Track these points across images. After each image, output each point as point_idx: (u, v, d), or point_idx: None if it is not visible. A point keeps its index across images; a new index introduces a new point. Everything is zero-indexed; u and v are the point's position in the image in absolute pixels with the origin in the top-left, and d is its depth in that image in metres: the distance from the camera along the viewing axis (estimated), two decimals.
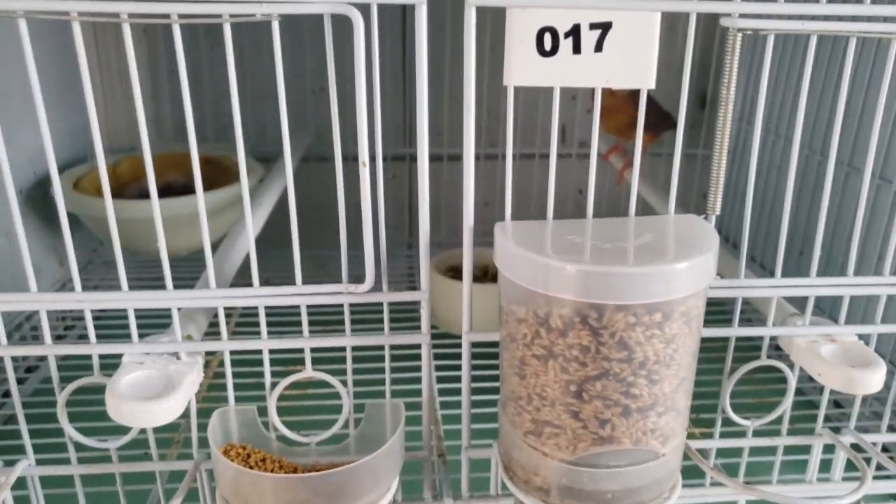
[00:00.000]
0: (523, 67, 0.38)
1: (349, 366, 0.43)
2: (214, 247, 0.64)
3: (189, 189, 0.76)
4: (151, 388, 0.39)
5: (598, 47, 0.38)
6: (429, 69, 0.37)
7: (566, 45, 0.37)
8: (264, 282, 0.40)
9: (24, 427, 0.42)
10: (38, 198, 0.73)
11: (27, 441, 0.43)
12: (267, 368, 0.42)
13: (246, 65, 0.87)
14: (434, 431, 0.50)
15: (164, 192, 0.77)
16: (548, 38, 0.37)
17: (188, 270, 0.78)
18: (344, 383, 0.43)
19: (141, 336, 0.41)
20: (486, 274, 0.78)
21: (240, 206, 0.75)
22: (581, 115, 0.97)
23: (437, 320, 0.75)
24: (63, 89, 0.80)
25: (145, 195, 0.75)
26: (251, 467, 0.40)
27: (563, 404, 0.38)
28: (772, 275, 0.45)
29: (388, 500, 0.41)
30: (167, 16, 0.35)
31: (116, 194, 0.75)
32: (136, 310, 0.41)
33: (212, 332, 0.44)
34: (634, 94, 0.66)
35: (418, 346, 0.43)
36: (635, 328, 0.35)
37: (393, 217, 0.99)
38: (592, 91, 0.40)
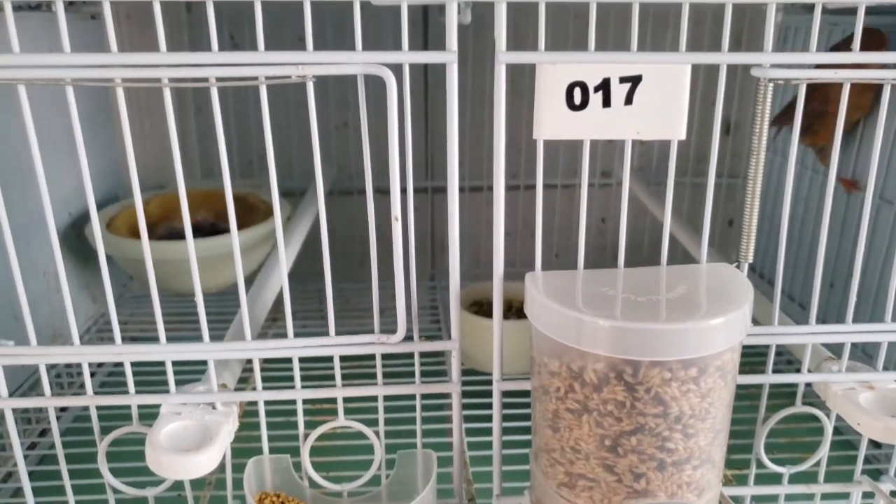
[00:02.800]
0: (553, 121, 0.38)
1: (381, 415, 0.43)
2: (247, 283, 0.65)
3: (217, 228, 0.77)
4: (189, 440, 0.39)
5: (629, 100, 0.38)
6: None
7: (596, 98, 0.38)
8: (294, 315, 0.41)
9: (66, 476, 0.43)
10: (72, 237, 0.74)
11: (68, 486, 0.44)
12: (300, 419, 0.43)
13: (270, 100, 0.88)
14: (463, 475, 0.50)
15: (193, 231, 0.78)
16: (577, 92, 0.38)
17: (217, 304, 0.79)
18: (376, 431, 0.43)
19: (177, 378, 0.42)
20: (510, 309, 0.78)
21: (269, 244, 0.76)
22: (603, 144, 0.97)
23: (463, 357, 0.75)
24: (94, 129, 0.81)
25: (175, 234, 0.77)
26: None
27: (597, 458, 0.38)
28: (802, 308, 0.44)
29: None
30: (205, 79, 0.36)
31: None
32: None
33: (244, 374, 0.45)
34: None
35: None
36: (671, 383, 0.35)
37: (415, 249, 1.00)
38: None
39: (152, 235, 0.77)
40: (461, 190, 0.95)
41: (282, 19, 0.72)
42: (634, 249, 1.03)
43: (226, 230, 0.68)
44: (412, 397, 0.44)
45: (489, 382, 0.55)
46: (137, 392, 0.42)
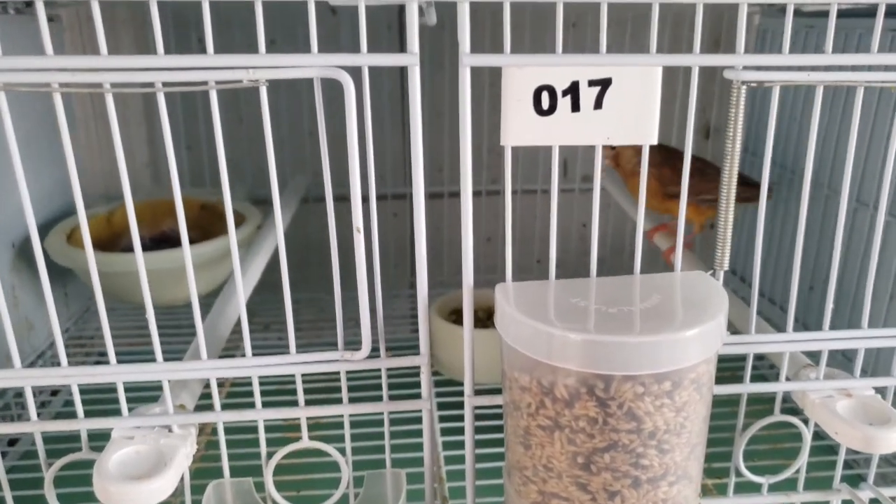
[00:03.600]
0: (521, 127, 0.36)
1: (347, 434, 0.41)
2: (216, 293, 0.63)
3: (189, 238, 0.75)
4: (142, 466, 0.37)
5: (598, 104, 0.36)
6: (428, 106, 0.36)
7: (564, 103, 0.36)
8: (263, 327, 0.39)
9: None
10: (29, 252, 0.72)
11: None
12: (262, 439, 0.41)
13: (242, 107, 0.86)
14: (438, 491, 0.48)
15: (162, 241, 0.76)
16: (545, 96, 0.36)
17: (188, 315, 0.76)
18: (342, 452, 0.42)
19: (130, 401, 0.40)
20: (489, 316, 0.77)
21: (240, 252, 0.74)
22: (583, 150, 0.96)
23: (440, 366, 0.74)
24: (51, 138, 0.79)
25: (142, 246, 0.74)
26: None
27: (570, 476, 0.36)
28: (783, 311, 0.43)
29: None
30: (152, 84, 0.34)
31: (110, 246, 0.74)
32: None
33: (205, 396, 0.43)
34: (664, 153, 0.62)
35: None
36: (644, 398, 0.34)
37: (395, 256, 0.98)
38: None
39: (118, 247, 0.74)
40: (440, 196, 0.94)
41: (250, 23, 0.70)
42: (616, 254, 1.02)
43: (195, 240, 0.66)
44: (384, 420, 0.42)
45: (460, 393, 0.53)
46: (89, 416, 0.40)
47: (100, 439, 0.40)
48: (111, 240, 0.74)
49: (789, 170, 0.78)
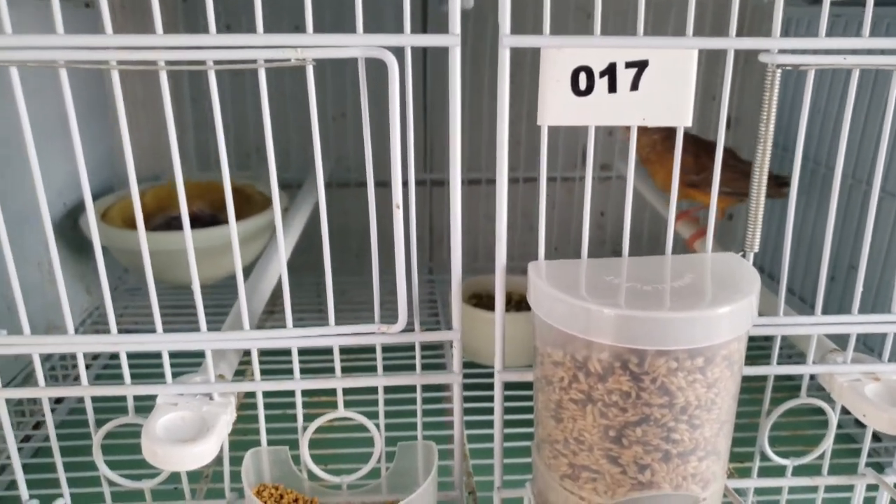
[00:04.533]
0: (558, 107, 0.37)
1: (381, 406, 0.43)
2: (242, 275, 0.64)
3: (215, 220, 0.76)
4: (186, 431, 0.39)
5: (635, 86, 0.37)
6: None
7: (601, 84, 0.37)
8: (291, 308, 0.40)
9: (60, 468, 0.42)
10: (67, 228, 0.73)
11: (63, 479, 0.43)
12: (299, 410, 0.42)
13: (272, 88, 0.87)
14: (463, 467, 0.49)
15: (192, 221, 0.77)
16: (583, 77, 0.37)
17: (213, 297, 0.78)
18: (375, 423, 0.43)
19: (173, 370, 0.41)
20: (509, 301, 0.78)
21: (266, 236, 0.75)
22: (603, 138, 0.96)
23: (470, 352, 0.75)
24: (89, 119, 0.80)
25: (171, 226, 0.76)
26: None
27: (601, 449, 0.37)
28: (803, 301, 0.44)
29: None
30: (202, 62, 0.35)
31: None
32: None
33: (241, 367, 0.44)
34: (686, 141, 0.62)
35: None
36: (677, 373, 0.35)
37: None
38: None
39: (148, 227, 0.76)
40: (470, 182, 0.95)
41: (280, 7, 0.72)
42: (634, 242, 1.02)
43: (223, 221, 0.68)
44: (410, 390, 0.43)
45: (487, 375, 0.54)
46: (133, 382, 0.41)
47: (139, 410, 0.42)
48: (143, 219, 0.75)
49: (812, 160, 0.78)
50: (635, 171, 0.87)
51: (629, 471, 0.37)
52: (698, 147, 0.65)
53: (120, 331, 0.40)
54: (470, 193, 0.95)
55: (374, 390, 0.42)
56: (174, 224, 0.76)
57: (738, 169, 0.64)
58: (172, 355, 0.41)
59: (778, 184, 0.64)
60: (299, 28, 0.35)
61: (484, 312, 0.71)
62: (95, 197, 0.77)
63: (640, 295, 0.36)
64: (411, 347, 0.42)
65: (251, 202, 0.76)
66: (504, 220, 0.40)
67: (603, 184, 0.99)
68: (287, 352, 0.41)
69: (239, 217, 0.70)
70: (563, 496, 0.39)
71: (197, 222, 0.74)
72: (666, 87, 0.37)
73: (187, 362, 0.46)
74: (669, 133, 0.65)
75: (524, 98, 0.88)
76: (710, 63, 0.81)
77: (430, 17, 0.86)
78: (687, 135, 0.67)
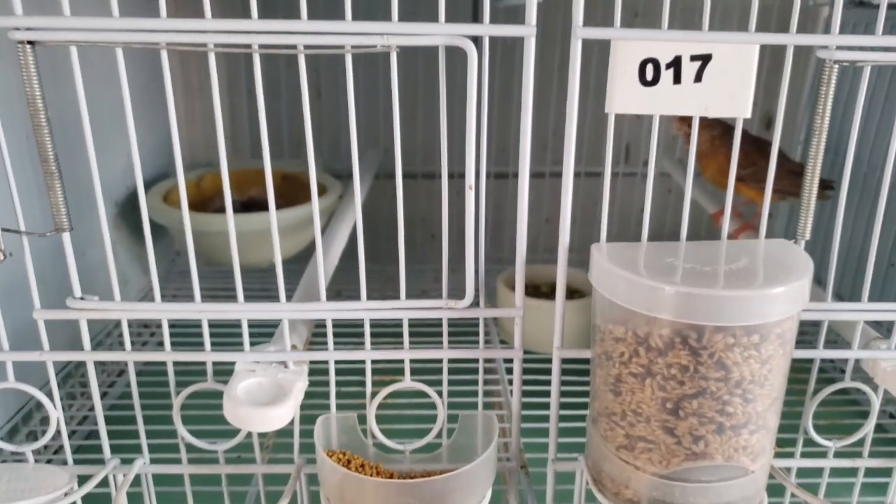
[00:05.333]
0: (625, 96, 0.39)
1: (445, 377, 0.45)
2: (293, 260, 0.67)
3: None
4: (265, 395, 0.41)
5: (698, 78, 0.39)
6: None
7: (667, 75, 0.39)
8: (335, 294, 0.43)
9: (142, 430, 0.45)
10: (129, 210, 0.77)
11: (144, 442, 0.46)
12: (368, 378, 0.45)
13: (322, 82, 0.90)
14: (518, 440, 0.52)
15: (249, 206, 0.81)
16: (650, 68, 0.39)
17: (257, 282, 0.81)
18: (439, 394, 0.45)
19: (237, 342, 0.44)
20: (539, 290, 0.80)
21: (321, 222, 0.78)
22: (647, 135, 0.98)
23: (504, 334, 0.77)
24: (149, 107, 0.84)
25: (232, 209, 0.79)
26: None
27: (658, 421, 0.39)
28: (841, 298, 0.46)
29: None
30: (294, 46, 0.38)
31: (200, 208, 0.79)
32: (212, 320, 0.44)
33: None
34: (729, 132, 0.64)
35: (491, 361, 0.45)
36: (734, 349, 0.37)
37: (455, 233, 1.01)
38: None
39: (208, 210, 0.79)
40: (505, 175, 0.96)
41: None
42: (674, 238, 1.04)
43: (279, 207, 0.71)
44: (464, 365, 0.45)
45: (534, 361, 0.56)
46: (213, 350, 0.44)
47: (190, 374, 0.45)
48: (201, 203, 0.79)
49: (865, 164, 0.80)
50: (680, 168, 0.89)
51: (684, 441, 0.39)
52: (747, 142, 0.66)
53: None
54: (497, 187, 0.96)
55: (431, 369, 0.45)
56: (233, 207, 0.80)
57: (785, 167, 0.66)
58: (234, 331, 0.44)
59: (822, 186, 0.66)
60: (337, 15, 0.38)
61: (531, 300, 0.73)
62: (157, 180, 0.81)
63: (699, 275, 0.38)
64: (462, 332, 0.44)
65: (306, 189, 0.78)
66: (569, 207, 0.42)
67: (628, 180, 1.00)
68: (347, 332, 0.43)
69: (294, 203, 0.74)
70: (618, 466, 0.41)
71: (254, 206, 0.77)
72: (728, 79, 0.39)
73: (254, 335, 0.49)
74: (725, 129, 0.66)
75: (551, 95, 0.90)
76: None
77: (478, 10, 0.89)
78: (746, 132, 0.69)
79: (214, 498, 0.49)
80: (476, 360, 0.46)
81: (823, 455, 0.50)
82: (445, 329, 0.44)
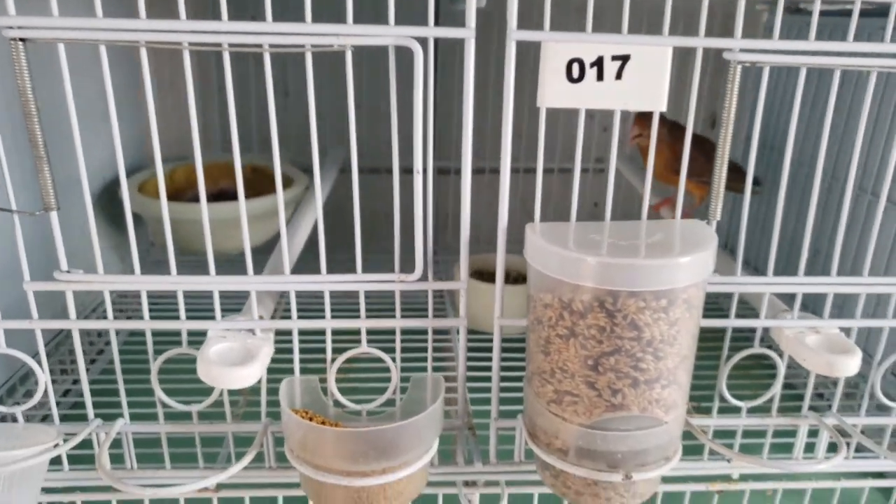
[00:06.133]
0: (555, 92, 0.45)
1: (398, 344, 0.50)
2: (262, 249, 0.71)
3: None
4: (234, 357, 0.46)
5: (619, 75, 0.45)
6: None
7: (591, 73, 0.45)
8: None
9: (122, 392, 0.50)
10: (105, 201, 0.81)
11: (124, 401, 0.50)
12: (329, 344, 0.50)
13: (290, 79, 0.95)
14: (465, 401, 0.57)
15: (219, 197, 0.85)
16: (576, 67, 0.45)
17: (227, 269, 0.85)
18: (392, 359, 0.50)
19: (208, 315, 0.48)
20: (506, 277, 0.85)
21: (287, 212, 0.83)
22: (598, 134, 1.04)
23: None
24: (124, 102, 0.88)
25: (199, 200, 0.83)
26: None
27: (581, 376, 0.44)
28: (758, 271, 0.52)
29: (428, 458, 0.48)
30: (260, 46, 0.43)
31: (173, 198, 0.83)
32: (189, 293, 0.48)
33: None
34: (674, 130, 0.71)
35: (447, 338, 0.51)
36: (644, 311, 0.42)
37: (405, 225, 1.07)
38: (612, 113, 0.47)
39: (181, 200, 0.83)
40: (454, 172, 1.02)
41: None
42: None
43: (248, 197, 0.75)
44: (416, 335, 0.50)
45: (484, 340, 0.61)
46: (188, 319, 0.49)
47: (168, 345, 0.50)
48: (174, 195, 0.83)
49: (767, 147, 0.86)
50: (628, 165, 0.95)
51: (604, 394, 0.44)
52: (695, 142, 0.72)
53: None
54: (473, 182, 1.02)
55: (385, 337, 0.50)
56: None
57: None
58: (204, 305, 0.48)
59: (753, 182, 0.73)
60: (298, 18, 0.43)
61: (483, 284, 0.78)
62: (130, 173, 0.85)
63: (618, 248, 0.43)
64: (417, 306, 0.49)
65: (273, 180, 0.83)
66: (507, 191, 0.47)
67: (597, 176, 1.06)
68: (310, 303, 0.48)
69: (262, 193, 0.78)
70: (548, 419, 0.47)
71: (224, 197, 0.81)
72: (645, 77, 0.45)
73: (223, 307, 0.53)
74: (670, 127, 0.72)
75: (525, 93, 0.95)
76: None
77: (441, 16, 0.94)
78: (682, 129, 0.75)
79: (189, 458, 0.53)
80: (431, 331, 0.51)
81: (738, 412, 0.56)
82: (398, 300, 0.49)
